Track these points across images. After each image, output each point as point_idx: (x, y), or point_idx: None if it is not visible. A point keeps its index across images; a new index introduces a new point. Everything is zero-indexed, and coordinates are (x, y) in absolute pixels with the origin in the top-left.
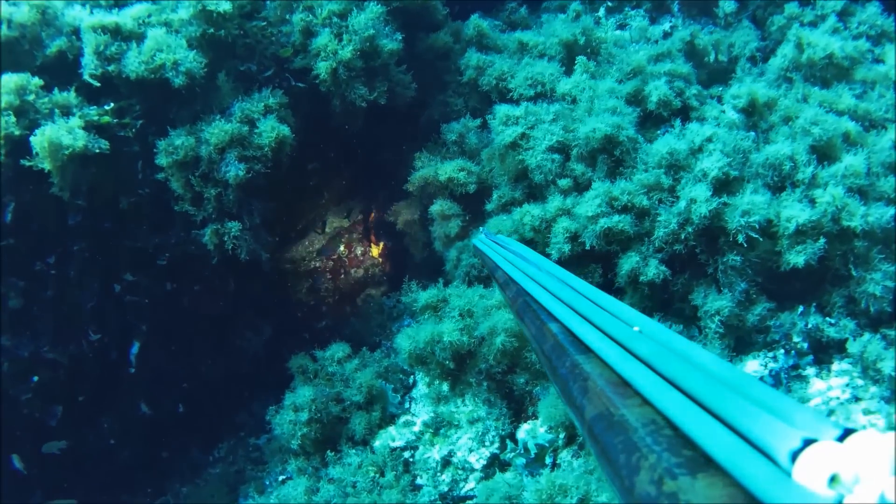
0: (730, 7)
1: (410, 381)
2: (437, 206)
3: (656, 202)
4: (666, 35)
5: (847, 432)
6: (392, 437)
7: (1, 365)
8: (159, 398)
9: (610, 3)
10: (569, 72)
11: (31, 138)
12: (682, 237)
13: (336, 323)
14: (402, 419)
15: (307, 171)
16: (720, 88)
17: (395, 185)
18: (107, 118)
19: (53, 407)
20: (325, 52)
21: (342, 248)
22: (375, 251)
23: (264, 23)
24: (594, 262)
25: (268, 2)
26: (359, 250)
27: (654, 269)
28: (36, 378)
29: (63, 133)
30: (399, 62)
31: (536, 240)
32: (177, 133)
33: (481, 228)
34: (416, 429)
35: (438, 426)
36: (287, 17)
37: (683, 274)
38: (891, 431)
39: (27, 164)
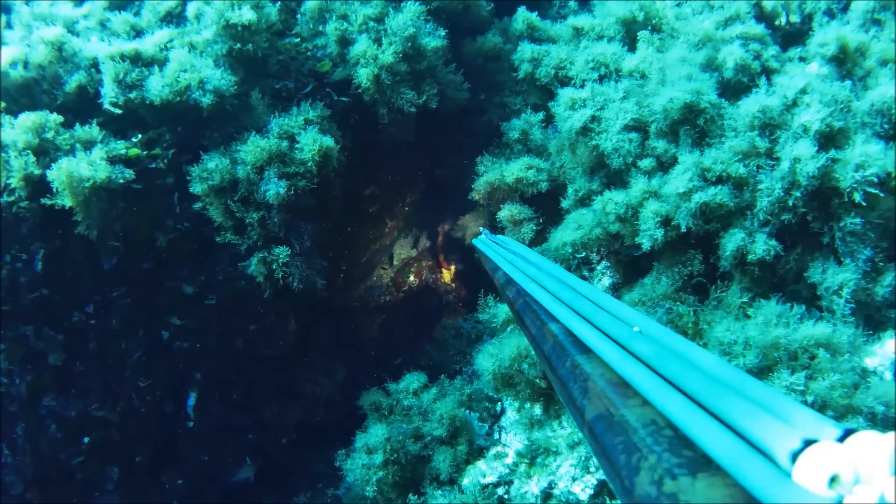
0: None
1: (498, 408)
2: (506, 212)
3: (754, 169)
4: None
5: (847, 432)
6: (482, 472)
7: (49, 427)
8: (223, 452)
9: None
10: (631, 51)
11: (48, 173)
12: (791, 204)
13: (412, 358)
14: (492, 451)
15: (364, 197)
16: (799, 49)
17: (459, 201)
18: (135, 150)
19: (108, 469)
20: (364, 58)
21: (412, 277)
22: (447, 276)
23: (297, 39)
24: (692, 247)
25: (299, 16)
26: (430, 278)
27: (762, 245)
28: (87, 439)
29: (82, 165)
30: (446, 63)
31: (623, 232)
32: (210, 156)
33: (481, 228)
34: (509, 460)
35: (534, 455)
36: (320, 28)
37: (795, 249)
38: (891, 432)
39: (47, 202)
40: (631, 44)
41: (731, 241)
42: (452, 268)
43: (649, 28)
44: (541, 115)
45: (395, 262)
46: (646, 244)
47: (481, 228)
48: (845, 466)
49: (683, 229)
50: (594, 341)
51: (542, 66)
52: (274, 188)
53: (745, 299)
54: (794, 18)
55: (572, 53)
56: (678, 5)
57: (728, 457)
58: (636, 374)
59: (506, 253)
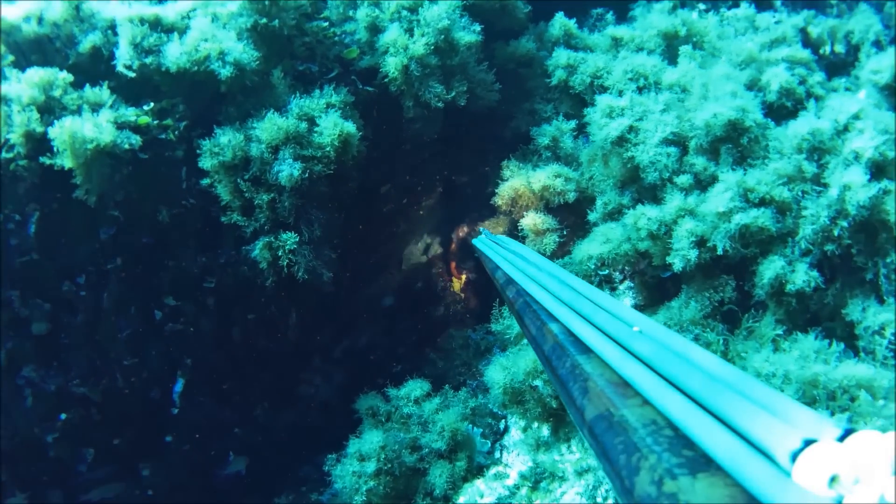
0: None
1: (501, 426)
2: (530, 220)
3: (799, 194)
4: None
5: (847, 432)
6: (480, 492)
7: (26, 399)
8: (207, 444)
9: (703, 6)
10: (671, 66)
11: (50, 130)
12: (836, 234)
13: (414, 366)
14: (493, 470)
15: (380, 195)
16: (844, 80)
17: (476, 210)
18: (145, 119)
19: (83, 450)
20: (394, 47)
21: (420, 284)
22: (457, 285)
23: (326, 23)
24: (725, 272)
25: (329, 1)
26: (438, 286)
27: (803, 276)
28: (64, 416)
29: (87, 126)
30: (478, 62)
31: (652, 251)
32: (223, 131)
33: (481, 228)
34: (511, 482)
35: (539, 478)
36: (350, 13)
37: (834, 283)
38: (891, 431)
39: (47, 161)
40: (671, 59)
41: (770, 269)
42: (464, 277)
43: (691, 44)
44: (573, 124)
45: (403, 267)
46: (678, 264)
47: (481, 228)
48: (845, 466)
49: (720, 252)
50: (594, 341)
51: (578, 73)
52: (287, 169)
53: (779, 332)
54: (839, 49)
55: (610, 63)
56: (721, 23)
57: (728, 456)
58: (636, 374)
59: (506, 253)
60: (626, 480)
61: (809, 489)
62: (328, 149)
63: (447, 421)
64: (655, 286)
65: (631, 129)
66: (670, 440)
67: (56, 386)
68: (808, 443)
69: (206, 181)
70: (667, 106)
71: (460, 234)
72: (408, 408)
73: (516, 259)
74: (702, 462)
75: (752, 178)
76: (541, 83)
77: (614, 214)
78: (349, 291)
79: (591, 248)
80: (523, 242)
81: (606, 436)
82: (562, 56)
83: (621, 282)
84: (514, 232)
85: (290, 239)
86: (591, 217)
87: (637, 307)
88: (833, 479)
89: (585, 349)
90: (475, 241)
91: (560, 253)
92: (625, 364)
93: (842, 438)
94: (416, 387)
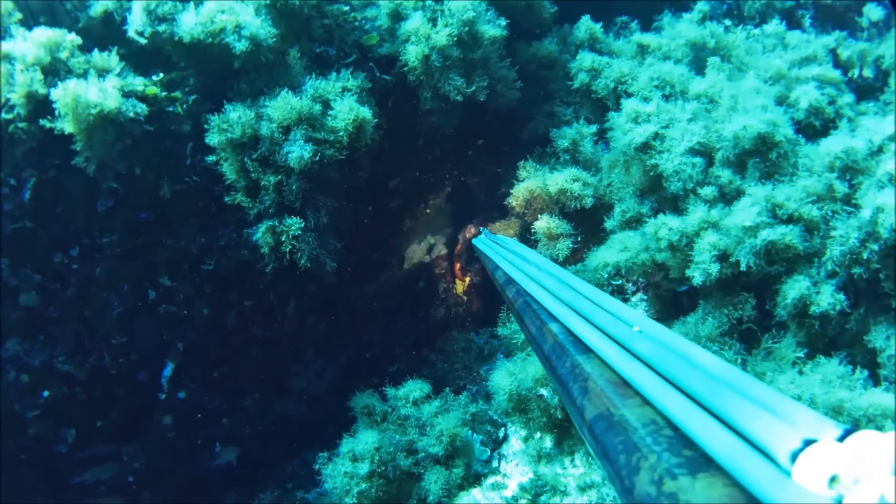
0: (876, 15)
1: (500, 434)
2: (543, 223)
3: (829, 213)
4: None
5: (847, 432)
6: (476, 501)
7: (8, 373)
8: (193, 433)
9: (729, 21)
10: (699, 76)
11: (52, 91)
12: (865, 257)
13: (410, 367)
14: (490, 480)
15: (388, 189)
16: (871, 104)
17: (486, 212)
18: (153, 89)
19: (65, 430)
20: (416, 36)
21: (421, 284)
22: (460, 287)
23: (347, 7)
24: (746, 289)
25: None
26: (440, 287)
27: (829, 298)
28: (46, 393)
29: (92, 90)
30: (501, 59)
31: (670, 263)
32: (233, 107)
33: (481, 228)
34: (509, 493)
35: (539, 491)
36: None
37: (858, 307)
38: (891, 431)
39: (47, 124)
40: (698, 70)
41: (795, 289)
42: (468, 279)
43: (719, 57)
44: (594, 128)
45: (405, 266)
46: (698, 278)
47: (481, 228)
48: (845, 466)
49: (743, 268)
50: (594, 341)
51: (602, 77)
52: (298, 151)
53: (800, 354)
54: (868, 73)
55: (635, 69)
56: (748, 39)
57: (728, 456)
58: (636, 374)
59: (506, 253)
60: (626, 480)
61: (809, 489)
62: (341, 133)
63: (447, 425)
64: (670, 300)
65: (656, 136)
66: (670, 440)
67: (40, 361)
68: (808, 443)
69: (211, 158)
70: (694, 115)
71: (467, 235)
72: (406, 409)
73: (516, 259)
74: (702, 462)
75: (781, 194)
76: (562, 86)
77: (632, 223)
78: (349, 286)
79: (607, 255)
80: (535, 247)
81: (606, 435)
82: (586, 59)
83: (634, 293)
84: (526, 236)
85: (294, 224)
86: (608, 224)
87: None
88: (833, 479)
89: (585, 349)
90: (475, 241)
91: (573, 260)
92: (625, 364)
93: (842, 438)
94: (415, 388)
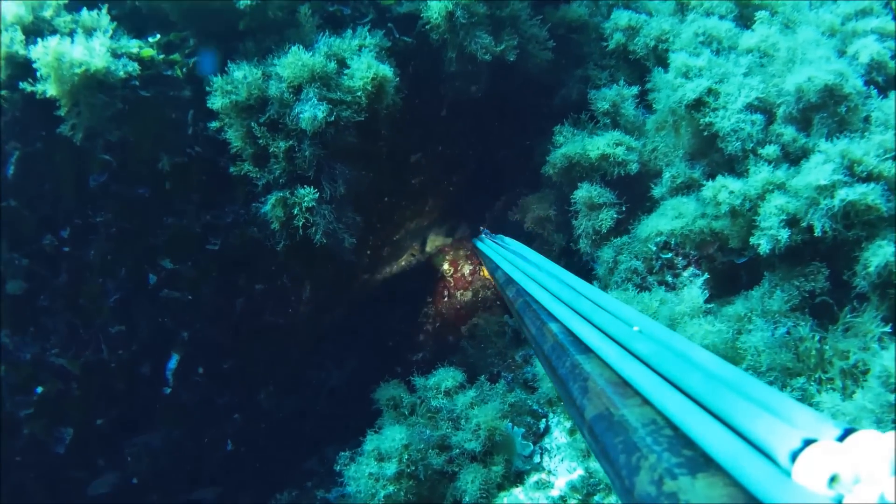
0: None
1: (542, 426)
2: (584, 192)
3: None
4: None
5: (847, 432)
6: (519, 501)
7: None
8: (202, 429)
9: None
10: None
11: (32, 50)
12: None
13: (436, 356)
14: (534, 478)
15: (409, 164)
16: None
17: (517, 186)
18: (149, 51)
19: (61, 430)
20: None
21: (446, 266)
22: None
23: None
24: (819, 258)
25: None
26: (466, 269)
27: None
28: (40, 389)
29: (77, 48)
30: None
31: (729, 231)
32: (239, 66)
33: (481, 228)
34: (556, 492)
35: (591, 491)
36: None
37: None
38: (891, 431)
39: (28, 87)
40: (744, 27)
41: (878, 255)
42: None
43: (767, 11)
44: (635, 90)
45: (427, 249)
46: (764, 246)
47: (481, 228)
48: (845, 466)
49: (818, 233)
50: (594, 341)
51: (640, 36)
52: (310, 111)
53: (886, 329)
54: None
55: (677, 27)
56: None
57: (728, 456)
58: (636, 374)
59: (506, 252)
60: (626, 480)
61: (809, 489)
62: (359, 93)
63: (484, 418)
64: (726, 274)
65: (710, 91)
66: (670, 440)
67: (32, 354)
68: (807, 442)
69: (214, 124)
70: (749, 69)
71: (495, 214)
72: (437, 400)
73: (516, 259)
74: (701, 462)
75: (858, 149)
76: (595, 48)
77: (683, 189)
78: (368, 270)
79: (660, 223)
80: (575, 218)
81: (606, 435)
82: (622, 17)
83: (685, 268)
84: (564, 207)
85: (307, 195)
86: (656, 192)
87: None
88: (833, 479)
89: (585, 349)
90: (476, 241)
91: (617, 231)
92: (624, 363)
93: (842, 438)
94: (447, 376)
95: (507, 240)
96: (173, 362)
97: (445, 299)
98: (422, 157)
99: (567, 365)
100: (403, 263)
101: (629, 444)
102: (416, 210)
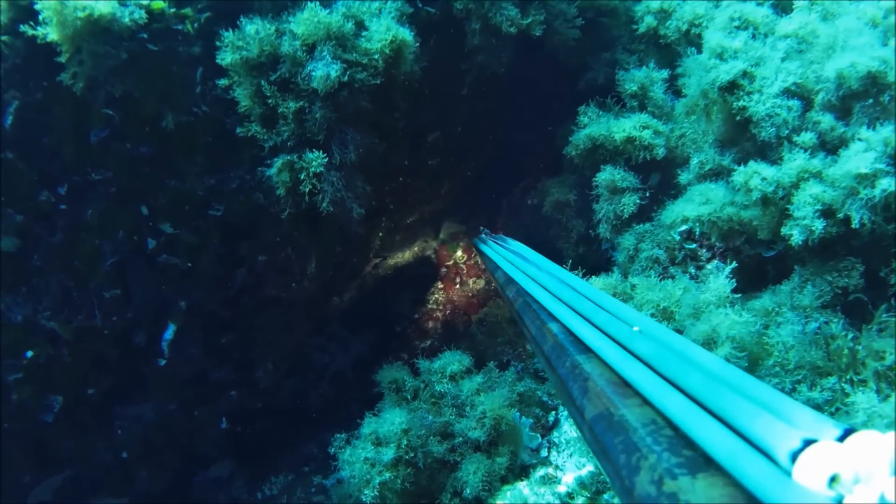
0: None
1: (551, 418)
2: (607, 175)
3: None
4: None
5: (847, 432)
6: (523, 497)
7: None
8: (196, 405)
9: None
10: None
11: None
12: None
13: (445, 343)
14: (540, 472)
15: (426, 143)
16: None
17: (537, 172)
18: (159, 3)
19: (50, 397)
20: None
21: (459, 252)
22: None
23: None
24: (853, 253)
25: None
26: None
27: None
28: (30, 353)
29: None
30: None
31: (758, 222)
32: (252, 20)
33: (481, 227)
34: (563, 488)
35: (601, 488)
36: None
37: None
38: (891, 431)
39: (28, 31)
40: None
41: None
42: None
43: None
44: (665, 73)
45: (441, 235)
46: (797, 237)
47: (481, 228)
48: (845, 466)
49: (855, 224)
50: (594, 341)
51: (672, 20)
52: (323, 69)
53: None
54: None
55: (711, 10)
56: None
57: (728, 456)
58: (636, 374)
59: (506, 253)
60: (626, 480)
61: (809, 489)
62: (376, 56)
63: (491, 405)
64: (753, 268)
65: (745, 74)
66: (670, 440)
67: (23, 316)
68: (808, 442)
69: (223, 81)
70: (787, 54)
71: (513, 200)
72: (441, 385)
73: (517, 259)
74: (702, 462)
75: None
76: (624, 32)
77: (711, 176)
78: (380, 254)
79: (686, 208)
80: (597, 202)
81: (606, 435)
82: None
83: (709, 260)
84: (585, 191)
85: (315, 160)
86: (683, 178)
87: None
88: (833, 479)
89: (585, 349)
90: (476, 242)
91: (640, 217)
92: (624, 364)
93: (842, 438)
94: (453, 360)
95: (508, 240)
96: (170, 332)
97: (457, 286)
98: (440, 137)
99: (567, 365)
100: (416, 249)
101: (629, 444)
102: (432, 193)
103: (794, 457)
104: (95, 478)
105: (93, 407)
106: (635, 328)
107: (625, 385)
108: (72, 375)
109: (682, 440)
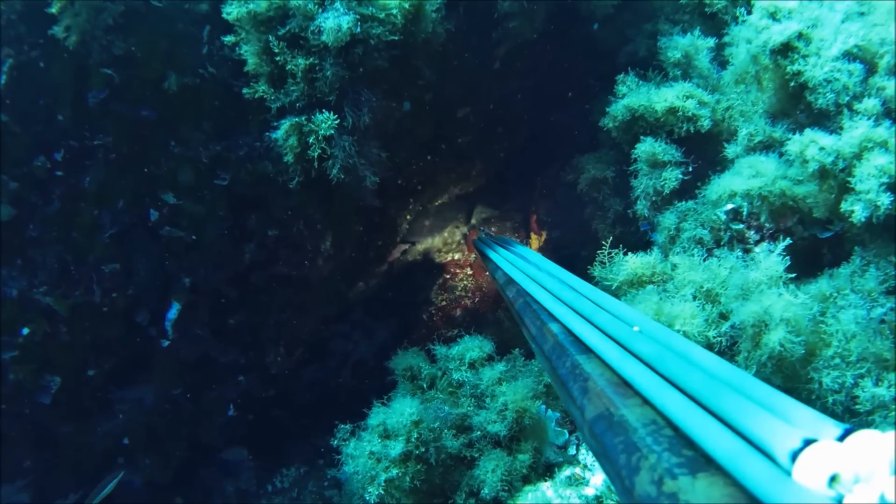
0: None
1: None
2: (648, 146)
3: None
4: None
5: (847, 432)
6: (546, 499)
7: None
8: (201, 389)
9: None
10: None
11: None
12: None
13: (474, 328)
14: (566, 472)
15: (456, 119)
16: None
17: (572, 152)
18: None
19: (48, 377)
20: None
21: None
22: (535, 243)
23: None
24: None
25: None
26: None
27: None
28: (26, 330)
29: None
30: None
31: (813, 200)
32: None
33: (481, 229)
34: (590, 490)
35: None
36: None
37: None
38: (891, 431)
39: None
40: None
41: None
42: (543, 234)
43: None
44: (711, 42)
45: (472, 220)
46: (859, 213)
47: (481, 229)
48: (845, 465)
49: None
50: (594, 341)
51: None
52: (334, 19)
53: None
54: None
55: None
56: None
57: (728, 456)
58: (636, 374)
59: (507, 253)
60: (626, 480)
61: (810, 489)
62: (394, 10)
63: (513, 397)
64: (806, 251)
65: (800, 36)
66: (670, 440)
67: (19, 290)
68: (808, 442)
69: (229, 38)
70: (847, 16)
71: (547, 181)
72: (459, 373)
73: (517, 259)
74: (702, 462)
75: None
76: (667, 2)
77: (761, 149)
78: (407, 239)
79: (734, 182)
80: (635, 177)
81: (606, 435)
82: None
83: (757, 242)
84: (622, 169)
85: (325, 121)
86: (730, 151)
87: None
88: (833, 479)
89: (585, 349)
90: (476, 242)
91: (683, 194)
92: (625, 364)
93: (842, 438)
94: (473, 345)
95: (509, 240)
96: (174, 312)
97: (487, 273)
98: (470, 114)
99: (567, 365)
100: (446, 234)
101: (629, 445)
102: (462, 173)
103: (794, 456)
104: (97, 464)
105: (93, 389)
106: (635, 328)
107: (625, 385)
108: (70, 355)
109: (682, 440)
